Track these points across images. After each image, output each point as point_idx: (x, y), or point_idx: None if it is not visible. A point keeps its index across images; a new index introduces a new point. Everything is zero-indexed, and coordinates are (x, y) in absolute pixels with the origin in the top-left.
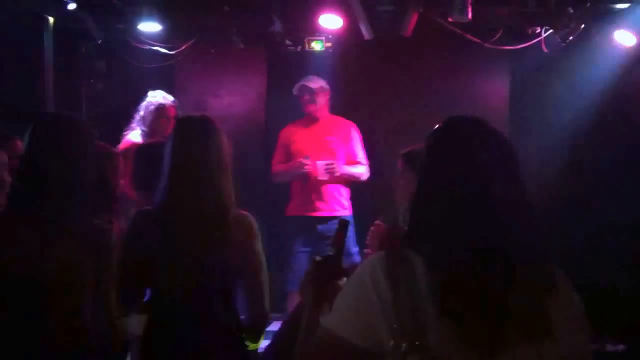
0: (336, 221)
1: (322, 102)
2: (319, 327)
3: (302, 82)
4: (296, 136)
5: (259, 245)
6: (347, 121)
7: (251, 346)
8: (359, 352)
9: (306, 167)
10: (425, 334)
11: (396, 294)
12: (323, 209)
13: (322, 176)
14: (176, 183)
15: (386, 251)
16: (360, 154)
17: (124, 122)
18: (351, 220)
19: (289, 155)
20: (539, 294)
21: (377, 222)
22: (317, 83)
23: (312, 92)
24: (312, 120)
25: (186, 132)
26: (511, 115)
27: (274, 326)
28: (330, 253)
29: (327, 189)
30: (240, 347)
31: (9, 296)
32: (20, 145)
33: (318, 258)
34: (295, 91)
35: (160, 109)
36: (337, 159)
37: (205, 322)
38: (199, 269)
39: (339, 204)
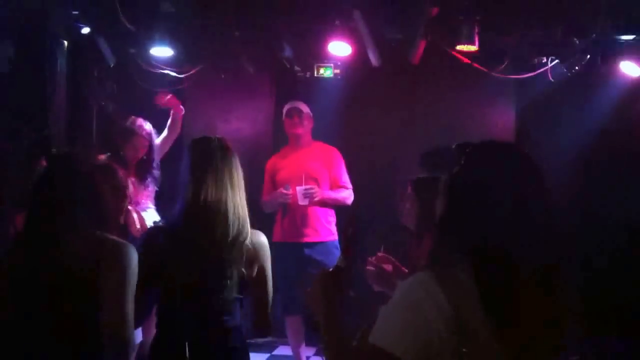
0: (323, 245)
1: (308, 127)
2: (368, 345)
3: (292, 105)
4: (280, 165)
5: (268, 261)
6: (329, 147)
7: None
8: None
9: (287, 197)
10: (492, 345)
11: (456, 307)
12: (309, 235)
13: (302, 201)
14: (193, 201)
15: (430, 267)
16: (344, 178)
17: None
18: (337, 245)
19: (275, 185)
20: (566, 315)
21: (379, 253)
22: (305, 107)
23: (301, 115)
24: (295, 147)
25: (203, 151)
26: (516, 142)
27: (280, 350)
28: (340, 264)
29: (312, 215)
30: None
31: (20, 302)
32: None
33: (329, 269)
34: (284, 112)
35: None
36: (321, 185)
37: (215, 335)
38: (212, 283)
39: (325, 230)
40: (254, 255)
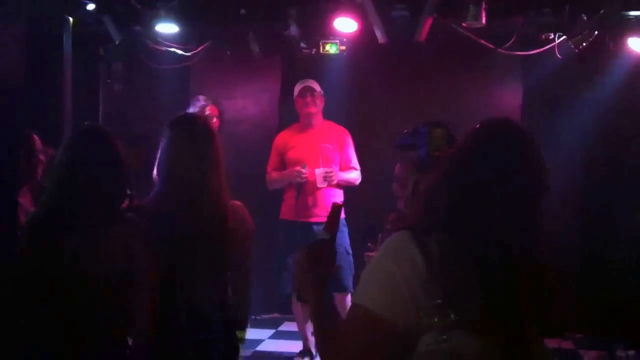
0: None
1: (320, 106)
2: (352, 307)
3: (305, 84)
4: (291, 143)
5: (249, 234)
6: (340, 127)
7: (240, 334)
8: (398, 332)
9: (304, 175)
10: (469, 309)
11: (433, 270)
12: (319, 215)
13: (321, 184)
14: (172, 180)
15: (410, 230)
16: (354, 160)
17: (139, 122)
18: (345, 224)
19: (285, 162)
20: (547, 289)
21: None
22: (317, 86)
23: (314, 93)
24: (306, 126)
25: (184, 131)
26: (524, 121)
27: (285, 326)
28: (325, 237)
29: (323, 195)
30: (234, 339)
31: (56, 292)
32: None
33: (313, 241)
34: (296, 92)
35: None
36: (333, 165)
37: (203, 315)
38: (200, 260)
39: None
40: (234, 228)
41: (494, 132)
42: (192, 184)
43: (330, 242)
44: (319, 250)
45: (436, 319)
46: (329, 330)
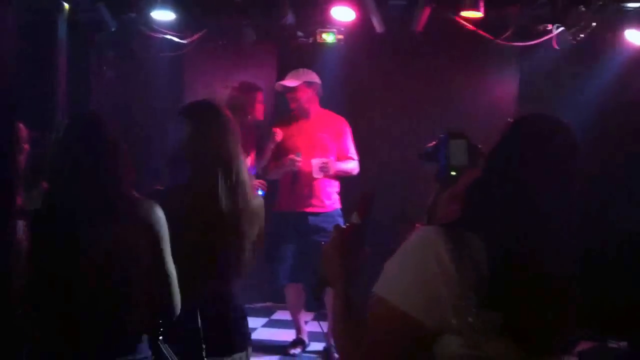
0: (327, 215)
1: (305, 97)
2: (373, 298)
3: (281, 81)
4: (288, 132)
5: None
6: (338, 116)
7: None
8: (421, 328)
9: (297, 163)
10: (492, 312)
11: (460, 269)
12: (315, 205)
13: (317, 174)
14: (199, 166)
15: (443, 226)
16: (351, 150)
17: (133, 110)
18: (340, 214)
19: (281, 152)
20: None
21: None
22: (296, 80)
23: (292, 90)
24: (302, 115)
25: (207, 116)
26: (520, 110)
27: (278, 315)
28: (355, 221)
29: (319, 185)
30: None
31: (66, 272)
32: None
33: (344, 226)
34: (277, 89)
35: None
36: (329, 155)
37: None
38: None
39: (329, 200)
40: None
41: (537, 128)
42: (223, 167)
43: (361, 227)
44: (350, 235)
45: (468, 321)
46: (358, 322)
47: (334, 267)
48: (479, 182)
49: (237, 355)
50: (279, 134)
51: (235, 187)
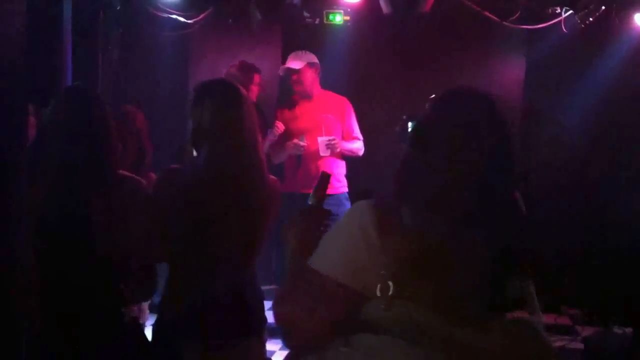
0: (334, 197)
1: (309, 79)
2: (306, 269)
3: (286, 64)
4: (292, 115)
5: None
6: (341, 97)
7: None
8: (348, 292)
9: (301, 149)
10: (410, 283)
11: (383, 242)
12: None
13: (324, 152)
14: (218, 147)
15: (375, 199)
16: (356, 130)
17: (138, 89)
18: (347, 198)
19: (286, 134)
20: (510, 271)
21: None
22: (300, 62)
23: (297, 73)
24: (305, 97)
25: (223, 95)
26: (526, 95)
27: None
28: (311, 202)
29: (325, 165)
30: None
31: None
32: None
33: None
34: (280, 73)
35: None
36: (335, 136)
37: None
38: (230, 234)
39: (337, 181)
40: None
41: (449, 102)
42: (243, 148)
43: (316, 208)
44: (306, 216)
45: (379, 289)
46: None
47: (292, 243)
48: (405, 155)
49: (253, 339)
50: (280, 127)
51: (253, 168)
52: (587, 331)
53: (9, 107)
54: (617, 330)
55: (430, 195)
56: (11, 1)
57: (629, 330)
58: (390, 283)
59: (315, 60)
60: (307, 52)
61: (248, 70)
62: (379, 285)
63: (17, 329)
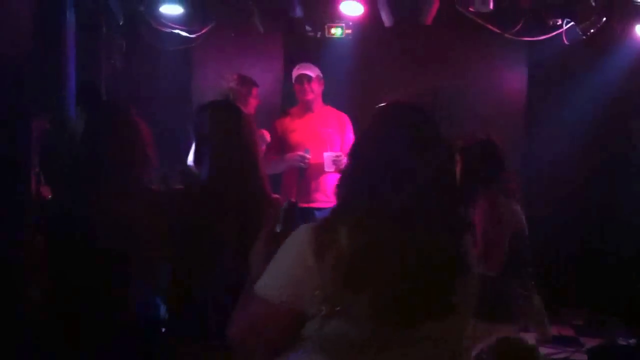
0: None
1: (318, 91)
2: (251, 294)
3: (301, 70)
4: (292, 127)
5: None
6: (340, 113)
7: None
8: (292, 313)
9: (307, 161)
10: (344, 301)
11: (319, 263)
12: (320, 200)
13: (329, 168)
14: (221, 164)
15: (317, 222)
16: None
17: (141, 101)
18: None
19: (285, 146)
20: (450, 270)
21: None
22: (314, 71)
23: (310, 80)
24: (306, 110)
25: (224, 115)
26: (529, 106)
27: None
28: (278, 230)
29: (325, 181)
30: None
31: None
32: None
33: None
34: (293, 78)
35: None
36: (336, 150)
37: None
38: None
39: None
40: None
41: (386, 115)
42: (242, 169)
43: (284, 234)
44: (273, 245)
45: (316, 309)
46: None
47: (258, 267)
48: (343, 174)
49: None
50: (266, 135)
51: (255, 186)
52: (590, 342)
53: (14, 110)
54: (621, 341)
55: (366, 205)
56: (17, 7)
57: (632, 341)
58: (323, 305)
59: (321, 75)
60: (314, 65)
61: (246, 83)
62: (314, 307)
63: (17, 328)
